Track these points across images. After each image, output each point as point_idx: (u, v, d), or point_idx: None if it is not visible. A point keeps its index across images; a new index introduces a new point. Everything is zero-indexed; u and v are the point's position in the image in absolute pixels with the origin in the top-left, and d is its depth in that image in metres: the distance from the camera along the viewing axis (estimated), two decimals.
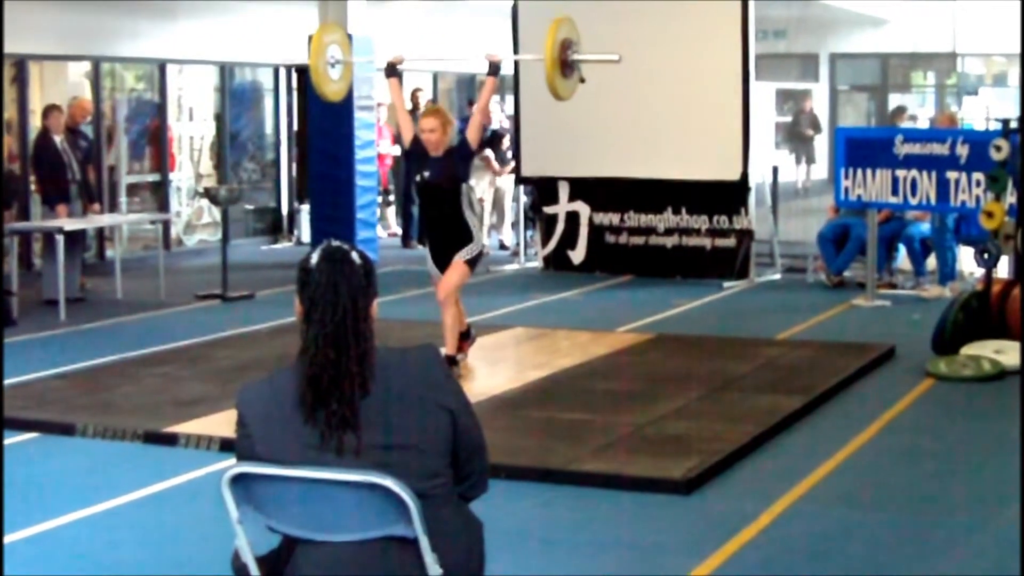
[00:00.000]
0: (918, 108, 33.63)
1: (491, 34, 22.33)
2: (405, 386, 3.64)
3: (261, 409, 3.67)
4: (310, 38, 17.43)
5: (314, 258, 3.67)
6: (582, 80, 10.39)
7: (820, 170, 29.80)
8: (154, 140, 19.52)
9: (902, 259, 15.13)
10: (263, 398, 3.68)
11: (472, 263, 10.19)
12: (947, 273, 14.29)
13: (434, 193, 10.14)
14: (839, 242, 14.99)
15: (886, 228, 14.54)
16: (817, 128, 30.17)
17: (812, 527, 6.87)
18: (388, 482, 3.44)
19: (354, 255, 3.68)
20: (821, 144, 30.16)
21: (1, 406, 8.48)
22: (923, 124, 28.68)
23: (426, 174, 10.05)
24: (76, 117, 15.33)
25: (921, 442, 8.65)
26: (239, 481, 3.62)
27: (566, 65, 9.83)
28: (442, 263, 10.20)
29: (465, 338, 10.46)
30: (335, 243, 3.72)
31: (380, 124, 20.00)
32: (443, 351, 9.97)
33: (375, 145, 19.27)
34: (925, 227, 14.54)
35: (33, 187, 15.85)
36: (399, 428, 3.59)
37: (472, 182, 11.04)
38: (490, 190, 19.16)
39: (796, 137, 29.53)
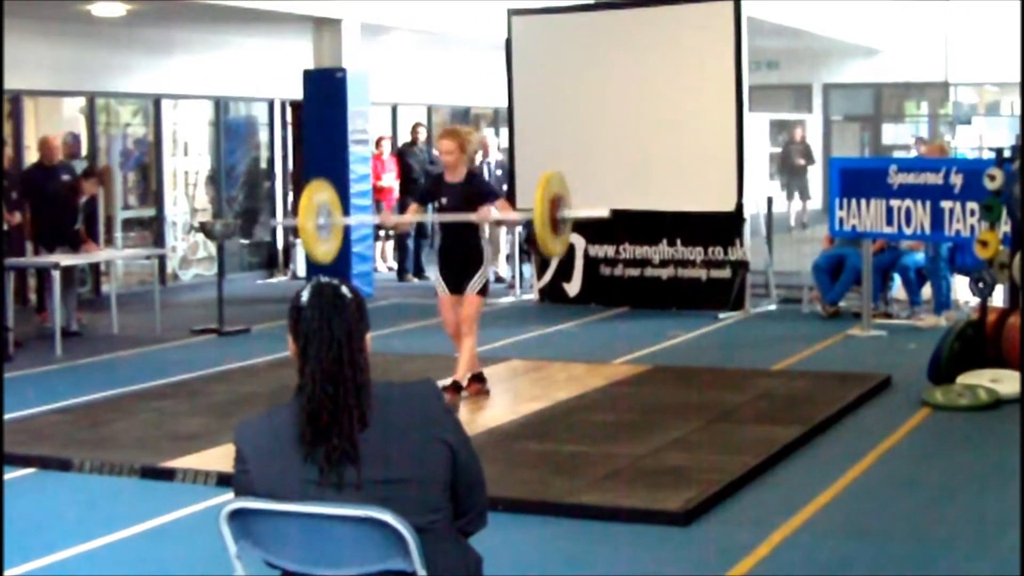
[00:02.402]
0: (911, 138, 33.76)
1: (485, 67, 22.42)
2: (404, 420, 3.64)
3: (259, 445, 3.66)
4: (304, 72, 17.65)
5: (305, 296, 3.68)
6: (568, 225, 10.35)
7: (814, 201, 29.73)
8: (149, 175, 19.56)
9: (897, 289, 15.15)
10: (261, 434, 3.68)
11: (483, 291, 10.32)
12: (942, 302, 14.30)
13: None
14: (834, 272, 15.01)
15: (881, 258, 14.56)
16: (809, 159, 29.15)
17: (810, 557, 6.86)
18: (387, 516, 3.44)
19: (344, 290, 3.69)
20: (814, 176, 29.88)
21: (1, 441, 8.47)
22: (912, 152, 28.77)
23: (443, 200, 10.10)
24: (44, 158, 15.16)
25: (918, 471, 8.65)
26: (237, 516, 3.62)
27: (556, 222, 9.84)
28: (451, 279, 10.27)
29: (477, 380, 10.48)
30: (324, 279, 3.73)
31: (384, 157, 20.03)
32: (450, 378, 10.25)
33: (377, 179, 19.34)
34: (920, 256, 14.55)
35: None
36: (398, 462, 3.59)
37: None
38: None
39: (788, 169, 28.78)
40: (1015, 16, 19.22)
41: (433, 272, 10.50)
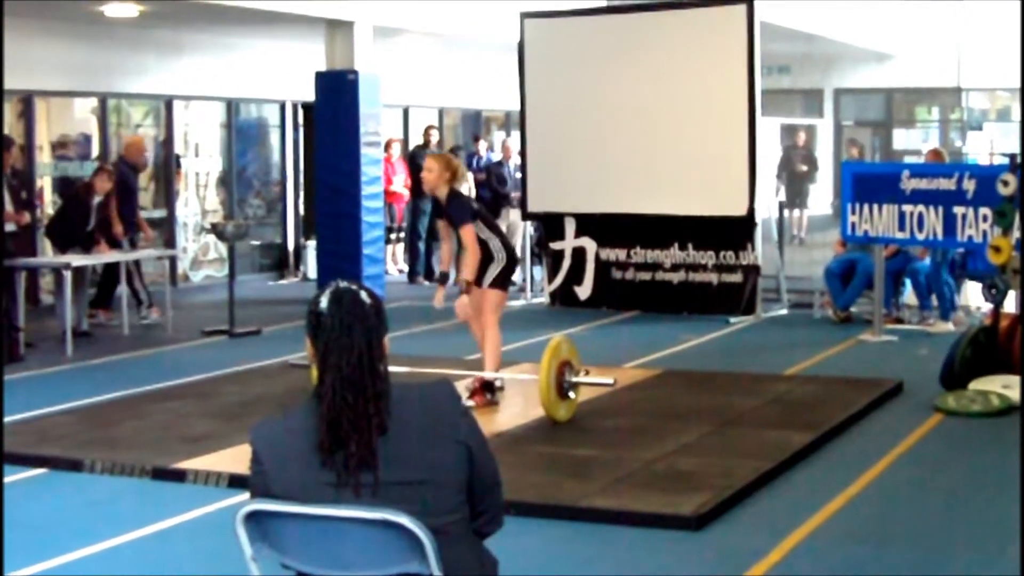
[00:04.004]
0: (922, 143, 33.76)
1: (497, 70, 22.42)
2: (421, 422, 3.63)
3: (276, 447, 3.65)
4: (316, 74, 17.65)
5: (323, 301, 3.64)
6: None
7: (814, 208, 29.42)
8: (159, 176, 19.58)
9: (908, 294, 15.14)
10: (278, 436, 3.67)
11: (499, 283, 10.42)
12: (947, 308, 14.29)
13: (443, 228, 10.62)
14: (846, 277, 14.99)
15: (893, 263, 14.54)
16: (812, 165, 27.50)
17: (821, 563, 6.85)
18: (403, 519, 3.44)
19: (363, 295, 3.66)
20: (819, 183, 29.35)
21: (1, 439, 8.47)
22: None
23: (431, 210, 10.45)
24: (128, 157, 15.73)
25: (930, 477, 8.64)
26: (253, 518, 3.61)
27: (562, 388, 9.86)
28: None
29: (487, 389, 10.49)
30: (343, 284, 3.69)
31: (393, 160, 20.00)
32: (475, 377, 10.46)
33: (388, 183, 19.32)
34: (928, 262, 14.56)
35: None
36: (416, 464, 3.59)
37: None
38: (503, 224, 19.19)
39: (789, 176, 27.11)
40: None
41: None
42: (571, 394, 9.94)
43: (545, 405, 9.74)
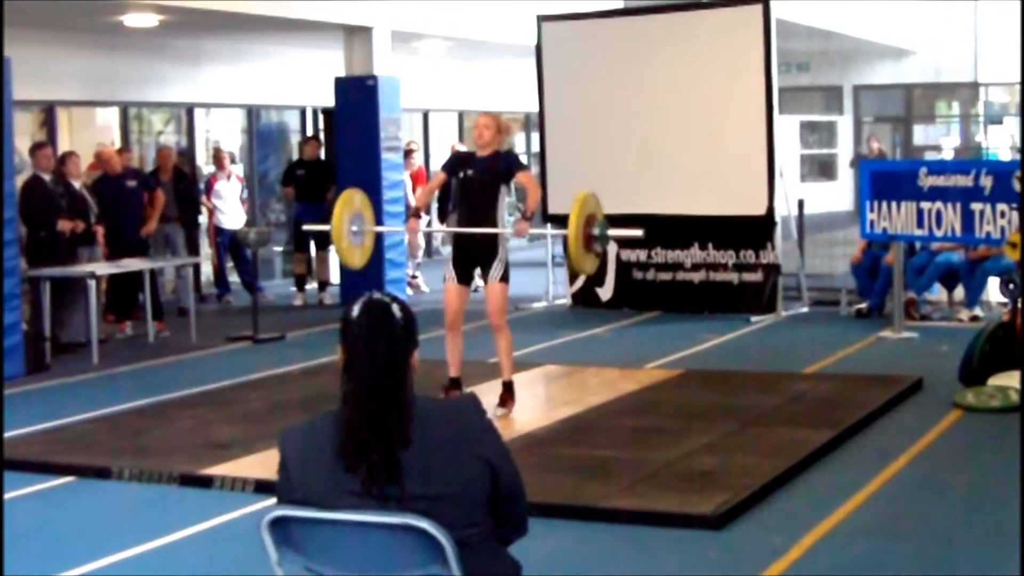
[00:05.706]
0: (943, 138, 33.71)
1: (515, 72, 22.48)
2: (445, 437, 3.68)
3: (302, 453, 3.72)
4: (336, 79, 17.73)
5: (355, 310, 3.72)
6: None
7: (837, 205, 29.46)
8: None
9: (938, 291, 15.21)
10: (305, 442, 3.74)
11: (505, 278, 10.16)
12: (973, 300, 14.44)
13: (473, 190, 10.13)
14: (874, 271, 15.04)
15: (917, 257, 14.65)
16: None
17: (842, 561, 6.90)
18: (424, 524, 3.50)
19: (395, 308, 3.72)
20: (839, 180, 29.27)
21: (1, 443, 8.58)
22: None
23: (469, 171, 10.10)
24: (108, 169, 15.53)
25: (949, 474, 8.67)
26: (278, 523, 3.68)
27: (589, 239, 9.91)
28: (463, 265, 10.23)
29: (510, 391, 10.42)
30: (376, 295, 3.77)
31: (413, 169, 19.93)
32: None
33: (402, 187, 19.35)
34: (955, 257, 14.60)
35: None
36: (439, 479, 3.64)
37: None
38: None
39: None
40: None
41: (447, 255, 10.55)
42: (597, 247, 9.99)
43: (573, 256, 9.84)
